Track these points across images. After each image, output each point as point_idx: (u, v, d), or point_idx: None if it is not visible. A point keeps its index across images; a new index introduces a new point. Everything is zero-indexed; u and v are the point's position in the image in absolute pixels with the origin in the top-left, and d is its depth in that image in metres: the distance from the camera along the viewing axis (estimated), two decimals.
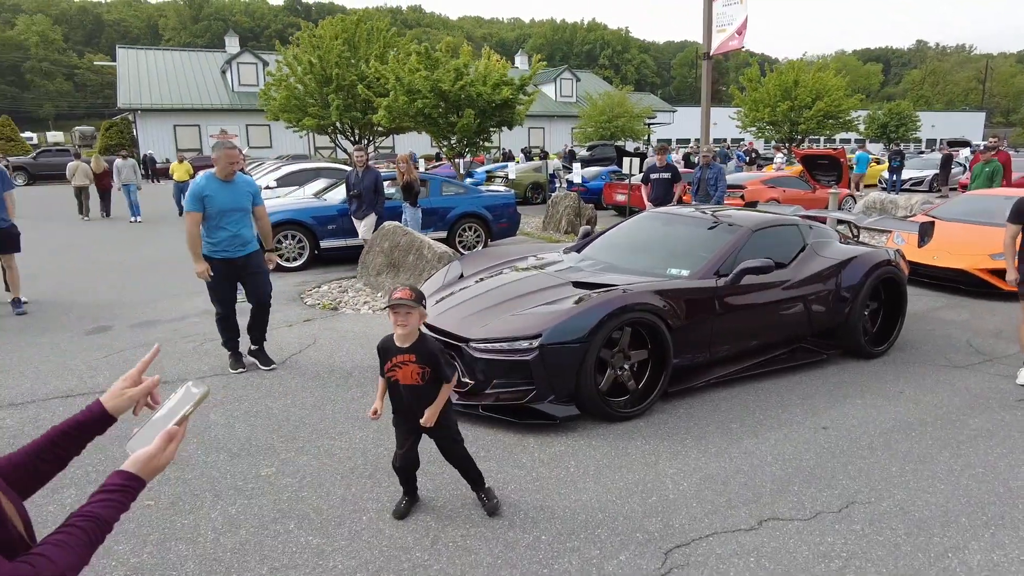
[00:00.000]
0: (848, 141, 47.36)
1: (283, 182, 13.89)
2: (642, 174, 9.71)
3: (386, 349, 3.00)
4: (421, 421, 2.96)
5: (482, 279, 5.16)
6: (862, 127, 40.97)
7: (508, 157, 30.48)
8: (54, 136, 63.82)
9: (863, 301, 5.30)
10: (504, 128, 18.01)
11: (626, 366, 4.26)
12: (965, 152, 24.64)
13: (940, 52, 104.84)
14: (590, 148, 28.95)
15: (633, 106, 37.88)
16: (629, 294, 4.16)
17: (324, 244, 9.34)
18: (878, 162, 23.67)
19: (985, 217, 8.49)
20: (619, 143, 30.23)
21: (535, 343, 3.95)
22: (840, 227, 7.64)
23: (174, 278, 8.63)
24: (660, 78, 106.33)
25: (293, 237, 9.29)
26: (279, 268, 8.92)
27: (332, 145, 23.55)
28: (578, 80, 48.29)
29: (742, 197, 12.85)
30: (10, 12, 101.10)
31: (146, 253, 10.96)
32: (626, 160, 11.60)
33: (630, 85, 50.69)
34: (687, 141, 43.51)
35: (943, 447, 3.94)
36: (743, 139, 37.50)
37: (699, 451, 3.85)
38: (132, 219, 15.39)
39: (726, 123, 37.50)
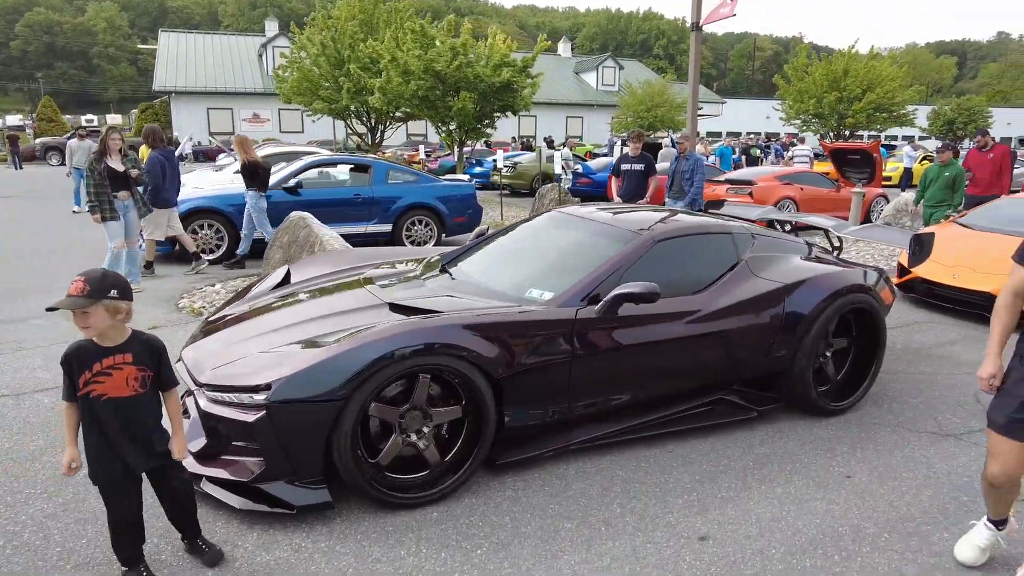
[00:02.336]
0: (911, 138, 44.00)
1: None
2: (613, 165, 8.28)
3: (80, 356, 2.22)
4: (174, 453, 2.36)
5: (294, 293, 3.96)
6: (925, 123, 37.90)
7: (527, 147, 28.99)
8: (113, 119, 65.72)
9: (816, 339, 3.85)
10: (508, 113, 16.73)
11: (425, 430, 2.99)
12: None
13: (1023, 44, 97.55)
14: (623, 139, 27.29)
15: (675, 96, 35.94)
16: (419, 330, 2.88)
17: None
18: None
19: (1019, 225, 6.79)
20: (649, 136, 28.43)
21: (262, 398, 2.72)
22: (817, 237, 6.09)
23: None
24: (716, 69, 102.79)
25: (211, 227, 8.27)
26: (193, 259, 7.94)
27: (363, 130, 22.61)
28: (621, 68, 46.38)
29: (750, 195, 11.24)
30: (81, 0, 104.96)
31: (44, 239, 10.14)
32: (616, 147, 10.12)
33: (668, 74, 48.45)
34: (737, 134, 41.15)
35: None
36: (779, 132, 35.01)
37: (487, 573, 2.56)
38: (75, 208, 13.14)
39: (773, 115, 35.09)
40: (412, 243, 9.04)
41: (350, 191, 8.73)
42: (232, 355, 3.11)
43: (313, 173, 9.02)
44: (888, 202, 12.54)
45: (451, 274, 3.98)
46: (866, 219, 12.59)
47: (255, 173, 7.64)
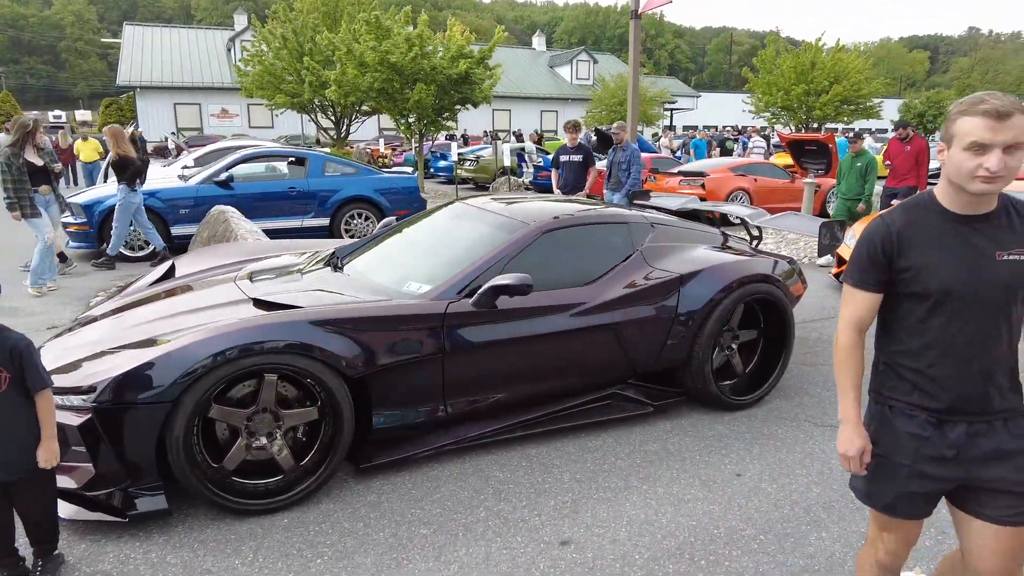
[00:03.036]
0: (868, 130, 44.37)
1: (201, 162, 12.62)
2: (552, 157, 8.10)
3: None
4: (40, 460, 2.20)
5: (169, 288, 3.75)
6: (896, 115, 38.22)
7: (519, 138, 28.72)
8: (82, 115, 64.42)
9: (714, 331, 3.71)
10: (468, 107, 16.50)
11: (277, 433, 2.80)
12: None
13: (994, 39, 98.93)
14: (596, 132, 27.07)
15: (647, 89, 35.89)
16: (256, 327, 2.69)
17: (176, 231, 8.02)
18: None
19: None
20: (602, 127, 28.30)
21: (87, 400, 2.52)
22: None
23: None
24: (695, 64, 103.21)
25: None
26: (121, 257, 7.68)
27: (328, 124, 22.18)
28: (595, 62, 46.25)
29: (702, 186, 11.14)
30: None
31: None
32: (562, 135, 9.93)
33: (646, 67, 48.52)
34: (714, 127, 41.24)
35: None
36: (762, 126, 35.08)
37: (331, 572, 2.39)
38: None
39: (738, 107, 35.11)
40: (352, 237, 8.82)
41: (284, 184, 8.49)
42: (76, 355, 2.91)
43: (257, 166, 8.77)
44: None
45: (340, 268, 3.79)
46: (822, 210, 12.58)
47: (125, 167, 7.19)
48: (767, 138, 24.55)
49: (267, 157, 8.89)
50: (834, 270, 6.94)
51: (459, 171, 19.14)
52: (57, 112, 69.32)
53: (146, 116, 36.05)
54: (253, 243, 4.90)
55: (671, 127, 43.82)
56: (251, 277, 3.68)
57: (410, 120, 16.22)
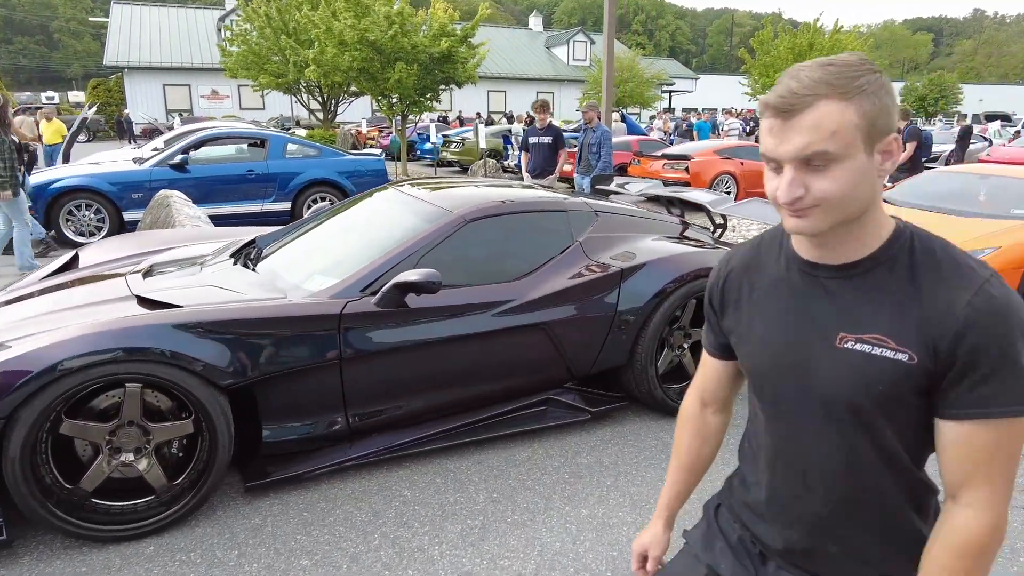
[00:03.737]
0: None
1: (173, 144, 12.23)
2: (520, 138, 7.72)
3: None
4: None
5: (61, 282, 3.41)
6: (897, 99, 37.60)
7: (510, 119, 28.15)
8: (75, 96, 63.68)
9: (658, 330, 3.38)
10: (454, 87, 16.04)
11: (147, 449, 2.48)
12: (995, 126, 21.63)
13: (999, 21, 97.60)
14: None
15: (643, 71, 35.30)
16: (111, 331, 2.35)
17: (129, 216, 7.66)
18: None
19: (954, 203, 6.37)
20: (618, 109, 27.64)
21: None
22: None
23: None
24: (696, 46, 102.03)
25: (89, 207, 7.64)
26: (71, 243, 7.34)
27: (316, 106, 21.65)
28: (592, 43, 45.48)
29: (686, 170, 10.76)
30: None
31: None
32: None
33: (641, 49, 47.82)
34: (714, 110, 40.62)
35: None
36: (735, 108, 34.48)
37: None
38: None
39: (737, 90, 34.52)
40: None
41: (243, 167, 8.13)
42: None
43: (217, 148, 8.39)
44: None
45: (252, 261, 3.45)
46: None
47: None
48: (752, 120, 23.81)
49: (226, 139, 8.50)
50: None
51: (444, 153, 18.74)
52: (50, 93, 68.61)
53: (134, 97, 35.50)
54: (180, 231, 4.56)
55: (670, 109, 43.25)
56: (149, 271, 3.34)
57: (392, 101, 15.77)
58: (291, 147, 8.38)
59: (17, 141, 6.38)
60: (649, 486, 2.94)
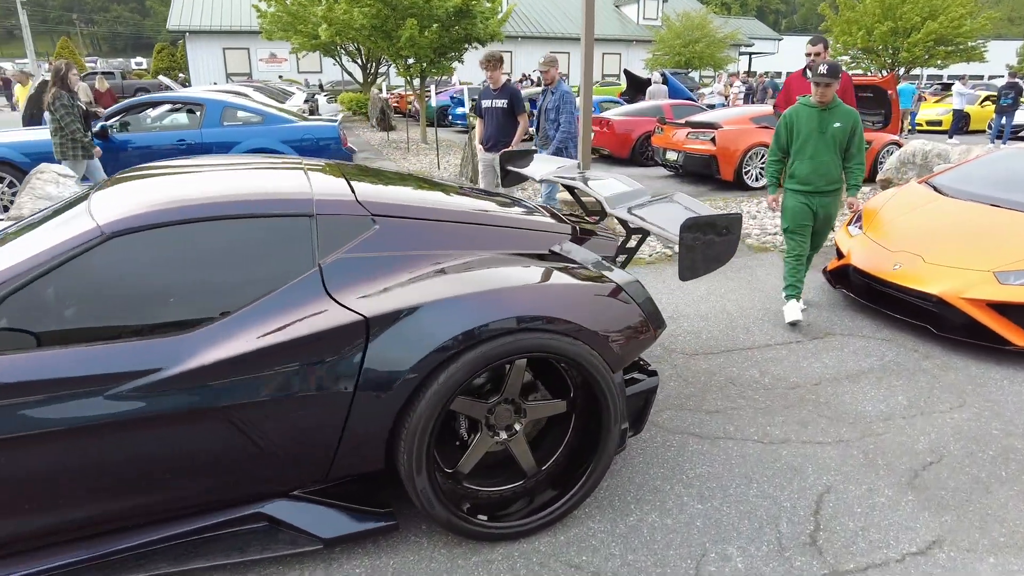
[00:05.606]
0: (981, 77, 38.72)
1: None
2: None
3: None
4: None
5: None
6: (1014, 59, 33.25)
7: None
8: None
9: (432, 414, 2.07)
10: (476, 45, 14.60)
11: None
12: None
13: None
14: (626, 73, 24.24)
15: (715, 30, 32.50)
16: None
17: None
18: (993, 100, 17.85)
19: (1014, 192, 4.63)
20: (667, 70, 25.10)
21: None
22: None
23: None
24: (787, 5, 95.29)
25: (1, 180, 6.87)
26: None
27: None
28: (665, 1, 42.54)
29: (712, 140, 9.05)
30: None
31: None
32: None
33: (724, 9, 44.34)
34: (778, 73, 37.20)
35: None
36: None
37: None
38: None
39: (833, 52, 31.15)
40: None
41: (173, 136, 7.16)
42: None
43: (155, 114, 7.45)
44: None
45: None
46: (872, 171, 10.25)
47: None
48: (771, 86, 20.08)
49: (159, 104, 7.54)
50: (832, 265, 5.00)
51: (472, 119, 17.39)
52: (139, 59, 71.38)
53: (196, 62, 35.73)
54: None
55: (750, 72, 39.94)
56: None
57: (409, 62, 14.54)
58: (230, 113, 7.34)
59: (84, 106, 6.28)
60: None
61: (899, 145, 10.16)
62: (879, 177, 9.07)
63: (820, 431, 3.04)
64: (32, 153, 6.82)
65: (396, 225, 2.35)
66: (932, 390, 3.46)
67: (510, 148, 5.99)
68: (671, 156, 9.81)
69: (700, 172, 9.48)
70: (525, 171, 3.78)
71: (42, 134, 7.28)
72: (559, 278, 2.32)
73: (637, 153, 11.58)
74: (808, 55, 5.73)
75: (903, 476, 2.71)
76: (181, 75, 32.75)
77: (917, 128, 18.14)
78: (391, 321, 2.04)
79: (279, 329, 2.01)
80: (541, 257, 2.60)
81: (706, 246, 2.40)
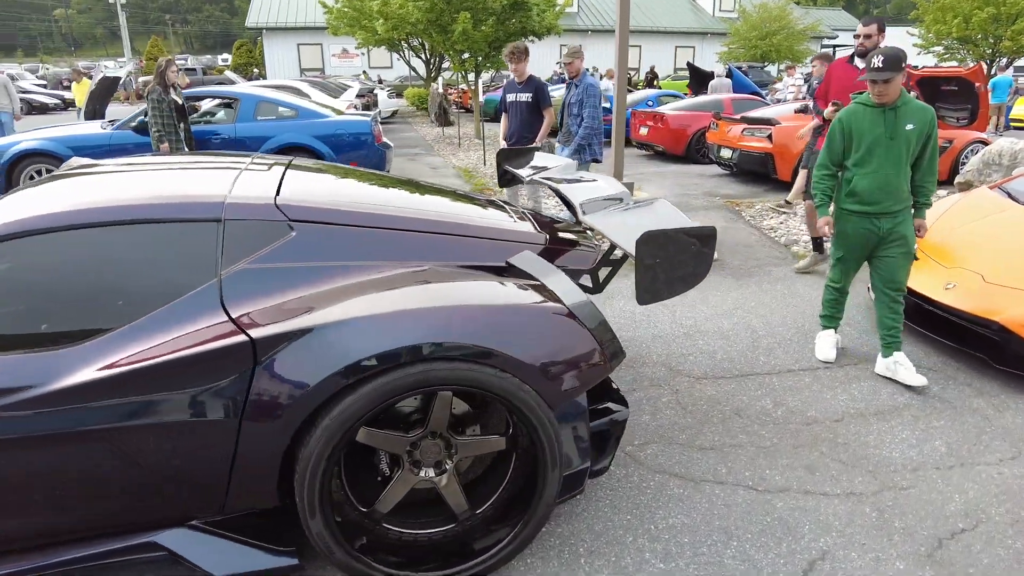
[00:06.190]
0: None
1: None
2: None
3: None
4: None
5: None
6: None
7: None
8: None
9: (325, 451, 1.81)
10: (532, 39, 14.26)
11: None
12: None
13: None
14: (689, 67, 23.22)
15: (795, 21, 30.96)
16: None
17: None
18: None
19: None
20: (737, 64, 23.88)
21: None
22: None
23: None
24: None
25: (49, 172, 7.09)
26: None
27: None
28: None
29: (769, 137, 8.42)
30: None
31: None
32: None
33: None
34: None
35: None
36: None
37: None
38: None
39: (907, 41, 29.02)
40: None
41: (208, 131, 7.18)
42: None
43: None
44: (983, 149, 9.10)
45: None
46: (951, 173, 9.38)
47: None
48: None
49: (197, 99, 7.61)
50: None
51: None
52: (225, 56, 74.67)
53: (272, 58, 36.92)
54: None
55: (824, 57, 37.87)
56: None
57: (464, 56, 14.37)
58: (265, 108, 7.32)
59: (179, 101, 6.43)
60: None
61: (985, 144, 9.21)
62: (957, 180, 8.24)
63: (829, 479, 2.60)
64: (77, 147, 6.99)
65: (317, 232, 2.10)
66: (980, 435, 2.94)
67: (538, 142, 5.68)
68: (725, 153, 9.22)
69: (756, 171, 8.85)
70: (520, 171, 3.47)
71: (86, 129, 7.49)
72: (493, 297, 2.00)
73: (692, 150, 10.98)
74: (857, 37, 4.68)
75: (923, 545, 2.26)
76: (256, 71, 33.80)
77: (1012, 125, 16.56)
78: (279, 344, 1.79)
79: (163, 346, 1.79)
80: (496, 270, 2.29)
81: (669, 265, 2.03)
